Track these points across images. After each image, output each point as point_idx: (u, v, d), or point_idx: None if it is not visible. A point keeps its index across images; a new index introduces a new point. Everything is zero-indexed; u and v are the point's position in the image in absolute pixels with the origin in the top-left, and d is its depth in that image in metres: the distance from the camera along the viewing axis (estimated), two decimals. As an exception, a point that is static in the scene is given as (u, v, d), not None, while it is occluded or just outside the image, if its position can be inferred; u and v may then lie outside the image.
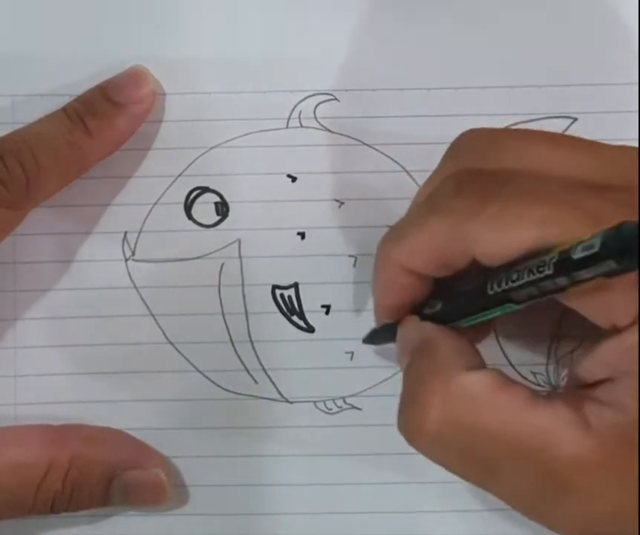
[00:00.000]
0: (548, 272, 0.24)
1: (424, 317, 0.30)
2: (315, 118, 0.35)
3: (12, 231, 0.33)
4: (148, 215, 0.35)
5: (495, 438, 0.26)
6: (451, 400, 0.26)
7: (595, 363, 0.26)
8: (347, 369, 0.35)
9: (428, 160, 0.34)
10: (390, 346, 0.34)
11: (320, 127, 0.35)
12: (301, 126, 0.36)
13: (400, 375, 0.34)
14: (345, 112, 0.35)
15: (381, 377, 0.35)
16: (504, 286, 0.26)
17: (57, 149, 0.33)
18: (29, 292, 0.35)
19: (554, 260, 0.24)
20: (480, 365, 0.27)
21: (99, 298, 0.35)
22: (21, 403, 0.35)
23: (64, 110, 0.34)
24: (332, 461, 0.35)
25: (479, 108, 0.35)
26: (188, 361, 0.35)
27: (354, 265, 0.35)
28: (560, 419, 0.25)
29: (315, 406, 0.35)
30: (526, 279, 0.25)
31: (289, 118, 0.35)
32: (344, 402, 0.35)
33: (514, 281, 0.26)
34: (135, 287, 0.35)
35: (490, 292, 0.27)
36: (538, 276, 0.25)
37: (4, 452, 0.33)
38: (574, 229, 0.25)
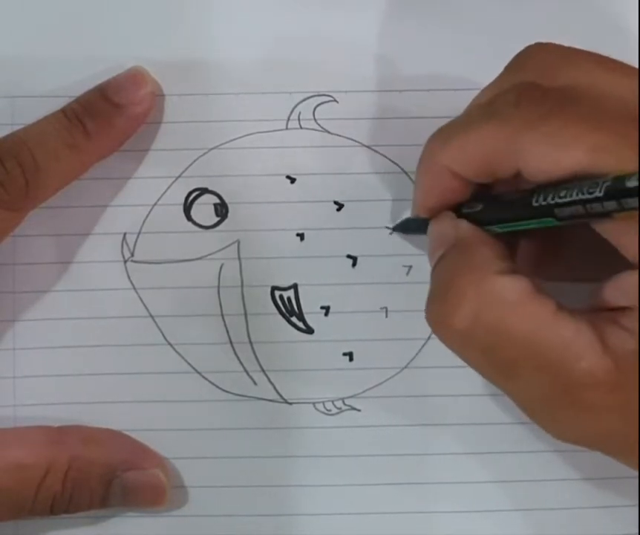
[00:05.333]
0: (598, 194, 0.25)
1: (460, 215, 0.31)
2: (315, 119, 0.35)
3: (11, 232, 0.33)
4: (147, 216, 0.35)
5: (519, 344, 0.27)
6: (482, 300, 0.28)
7: (617, 290, 0.27)
8: (346, 370, 0.35)
9: (427, 162, 0.34)
10: (392, 346, 0.35)
11: (319, 128, 0.35)
12: (301, 127, 0.35)
13: (399, 377, 0.35)
14: (344, 113, 0.35)
15: (380, 378, 0.35)
16: (550, 200, 0.27)
17: (56, 150, 0.33)
18: (28, 293, 0.35)
19: (607, 184, 0.25)
20: (513, 270, 0.28)
21: (98, 299, 0.35)
22: (20, 405, 0.35)
23: (64, 111, 0.34)
24: (332, 462, 0.35)
25: (478, 110, 0.35)
26: (187, 362, 0.35)
27: (353, 266, 0.35)
28: (581, 335, 0.27)
29: (315, 407, 0.35)
30: (574, 197, 0.26)
31: (288, 119, 0.35)
32: (344, 403, 0.35)
33: (560, 198, 0.27)
34: (134, 288, 0.35)
35: (535, 204, 0.28)
36: (587, 196, 0.26)
37: (4, 454, 0.33)
38: (626, 161, 0.25)
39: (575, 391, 0.27)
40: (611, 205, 0.25)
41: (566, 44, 0.35)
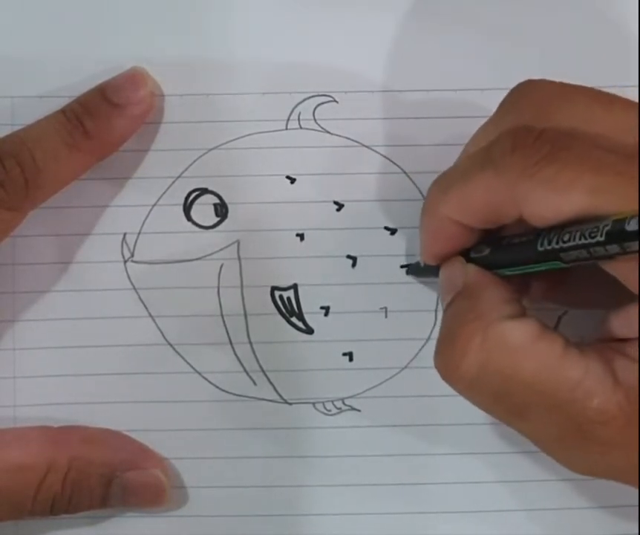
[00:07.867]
0: (599, 238, 0.25)
1: (469, 260, 0.30)
2: (315, 119, 0.35)
3: (11, 232, 0.33)
4: (147, 216, 0.35)
5: (529, 386, 0.27)
6: (489, 347, 0.27)
7: (624, 321, 0.27)
8: (346, 371, 0.35)
9: (427, 162, 0.34)
10: (392, 346, 0.35)
11: (319, 128, 0.35)
12: (300, 128, 0.35)
13: (399, 377, 0.35)
14: (344, 114, 0.35)
15: (380, 378, 0.35)
16: (554, 245, 0.27)
17: (56, 151, 0.33)
18: (28, 293, 0.35)
19: (608, 228, 0.25)
20: (520, 313, 0.28)
21: (98, 299, 0.35)
22: (20, 405, 0.35)
23: (63, 111, 0.34)
24: (331, 462, 0.35)
25: (478, 110, 0.34)
26: (187, 362, 0.35)
27: (353, 266, 0.35)
28: (591, 372, 0.26)
29: (314, 407, 0.35)
30: (577, 242, 0.26)
31: (288, 119, 0.35)
32: (343, 403, 0.35)
33: (565, 242, 0.26)
34: (134, 288, 0.35)
35: (540, 248, 0.27)
36: (590, 240, 0.25)
37: (4, 454, 0.33)
38: (627, 201, 0.25)
39: (589, 429, 0.26)
40: (613, 248, 0.25)
41: (566, 45, 0.36)
